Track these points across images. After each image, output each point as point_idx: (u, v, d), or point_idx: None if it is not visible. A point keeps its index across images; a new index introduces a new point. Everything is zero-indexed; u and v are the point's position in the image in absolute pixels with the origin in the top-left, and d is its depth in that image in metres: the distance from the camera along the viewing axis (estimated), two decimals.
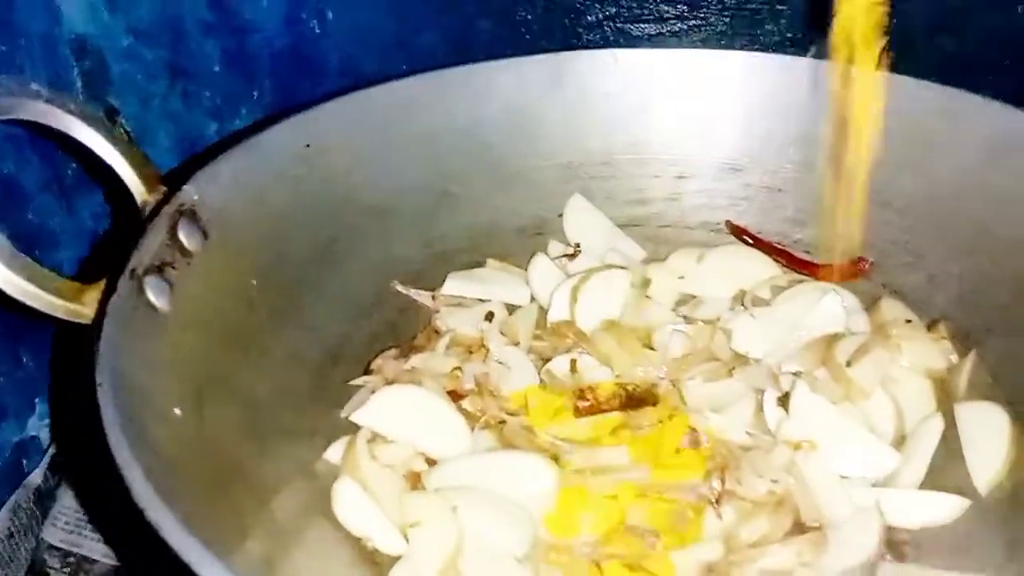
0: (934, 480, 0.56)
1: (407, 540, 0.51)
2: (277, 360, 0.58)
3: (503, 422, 0.60)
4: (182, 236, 0.54)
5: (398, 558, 0.51)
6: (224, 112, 0.83)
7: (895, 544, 0.53)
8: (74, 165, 0.73)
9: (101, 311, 0.47)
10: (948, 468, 0.57)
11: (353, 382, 0.61)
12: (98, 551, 0.65)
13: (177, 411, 0.47)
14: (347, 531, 0.52)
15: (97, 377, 0.43)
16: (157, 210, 0.54)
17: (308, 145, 0.64)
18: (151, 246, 0.52)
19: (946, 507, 0.54)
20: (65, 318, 0.48)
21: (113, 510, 0.66)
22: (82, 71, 0.73)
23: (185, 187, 0.56)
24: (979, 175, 0.64)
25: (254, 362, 0.56)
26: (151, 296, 0.50)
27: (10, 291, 0.47)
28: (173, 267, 0.53)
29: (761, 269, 0.70)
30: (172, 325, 0.51)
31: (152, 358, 0.48)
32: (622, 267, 0.69)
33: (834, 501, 0.54)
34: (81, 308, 0.48)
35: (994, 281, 0.63)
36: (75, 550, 0.65)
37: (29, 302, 0.47)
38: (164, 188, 0.56)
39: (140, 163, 0.56)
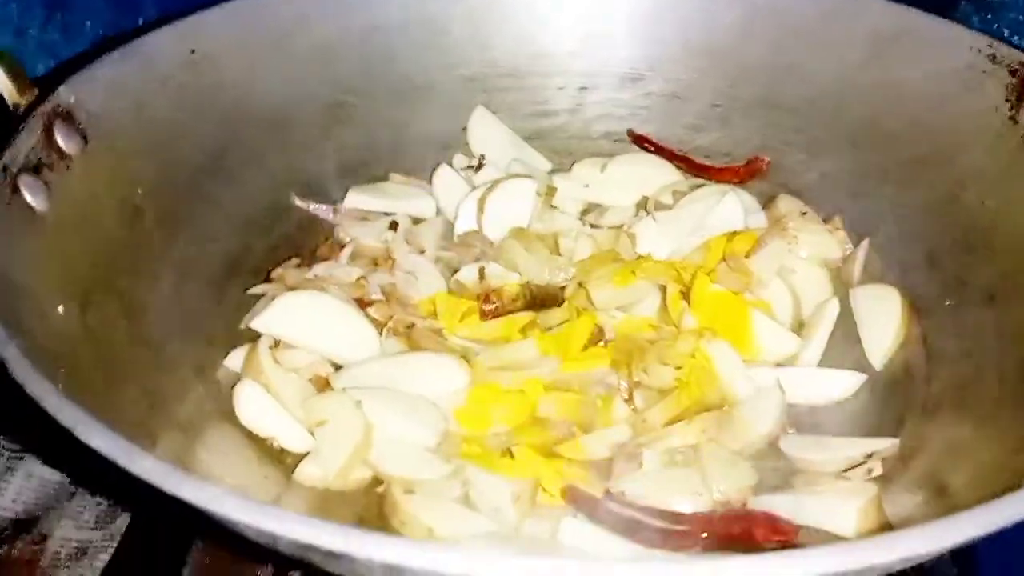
0: (833, 361, 0.58)
1: (314, 438, 0.50)
2: (170, 269, 0.56)
3: (411, 326, 0.59)
4: (59, 138, 0.52)
5: (305, 455, 0.50)
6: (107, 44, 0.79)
7: (796, 418, 0.54)
8: None
9: None
10: (845, 349, 0.59)
11: (252, 291, 0.59)
12: None
13: (60, 309, 0.45)
14: (252, 433, 0.51)
15: None
16: (29, 111, 0.51)
17: (193, 51, 0.61)
18: (24, 145, 0.49)
19: (843, 383, 0.56)
20: None
21: None
22: None
23: (60, 88, 0.53)
24: (863, 71, 0.66)
25: (145, 269, 0.54)
26: (27, 195, 0.48)
27: None
28: (50, 169, 0.50)
29: (663, 175, 0.71)
30: (52, 227, 0.48)
31: (31, 257, 0.46)
32: (529, 176, 0.69)
33: (737, 382, 0.55)
34: None
35: (883, 171, 0.65)
36: None
37: None
38: (36, 90, 0.53)
39: (10, 65, 0.53)
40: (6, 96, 0.52)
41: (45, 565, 0.59)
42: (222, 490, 0.33)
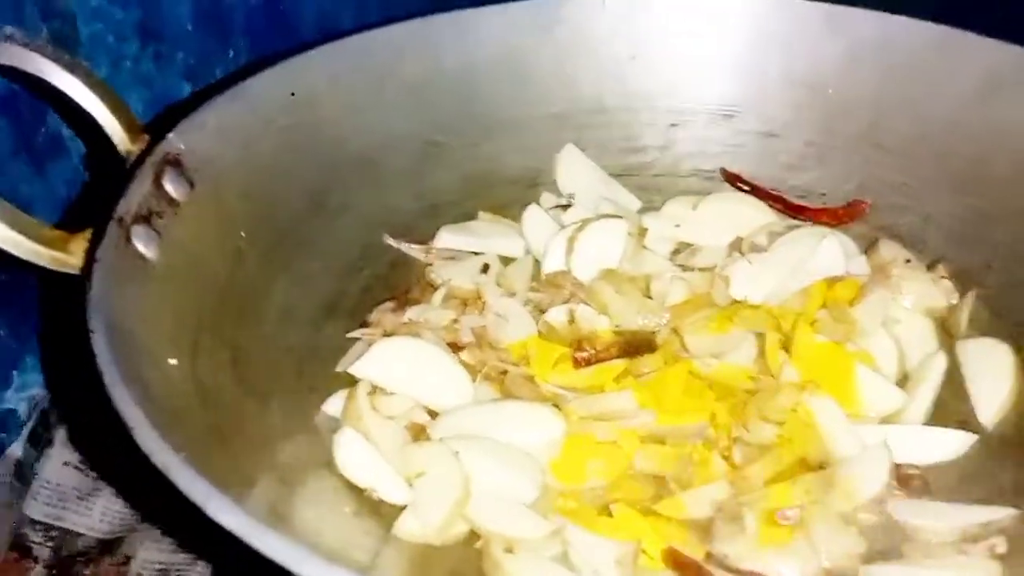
0: (939, 417, 0.56)
1: (411, 489, 0.50)
2: (271, 313, 0.56)
3: (504, 372, 0.59)
4: (168, 185, 0.53)
5: (403, 508, 0.50)
6: (198, 73, 0.80)
7: (904, 479, 0.52)
8: (43, 129, 0.70)
9: (89, 260, 0.45)
10: (952, 405, 0.57)
11: (350, 335, 0.60)
12: (81, 524, 0.64)
13: (173, 361, 0.45)
14: (350, 482, 0.51)
15: (90, 324, 0.41)
16: (141, 160, 0.52)
17: (294, 93, 0.62)
18: (137, 194, 0.50)
19: (953, 442, 0.54)
20: (52, 267, 0.46)
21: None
22: (50, 31, 0.70)
23: (170, 135, 0.54)
24: (973, 112, 0.64)
25: (247, 315, 0.54)
26: (139, 245, 0.49)
27: None
28: (160, 216, 0.51)
29: (757, 215, 0.69)
30: (162, 275, 0.49)
31: (144, 308, 0.46)
32: (619, 216, 0.68)
33: (841, 439, 0.54)
34: (68, 257, 0.46)
35: (991, 218, 0.63)
36: (57, 523, 0.63)
37: (15, 251, 0.45)
38: (147, 137, 0.54)
39: (122, 111, 0.54)
40: (118, 144, 0.54)
41: None
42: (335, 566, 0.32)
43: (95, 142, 0.55)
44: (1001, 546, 0.46)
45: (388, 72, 0.67)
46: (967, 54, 0.65)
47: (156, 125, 0.56)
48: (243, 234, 0.57)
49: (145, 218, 0.50)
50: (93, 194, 0.70)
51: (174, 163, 0.53)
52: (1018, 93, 0.62)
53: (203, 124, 0.56)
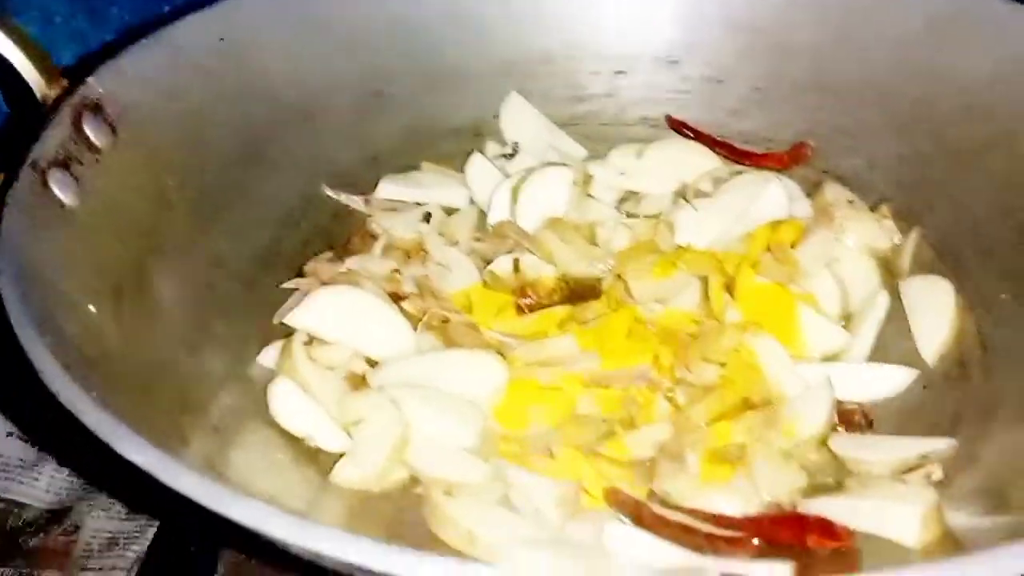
0: (883, 355, 0.56)
1: (350, 437, 0.49)
2: (201, 264, 0.55)
3: (446, 321, 0.58)
4: (88, 130, 0.51)
5: (341, 456, 0.49)
6: (133, 32, 0.77)
7: (846, 415, 0.52)
8: None
9: (0, 202, 0.43)
10: (896, 342, 0.57)
11: (285, 285, 0.58)
12: (28, 495, 0.62)
13: (92, 308, 0.44)
14: (287, 432, 0.50)
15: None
16: (58, 104, 0.50)
17: (223, 39, 0.60)
18: (54, 139, 0.48)
19: (894, 378, 0.54)
20: None
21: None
22: None
23: (89, 79, 0.52)
24: (915, 53, 0.64)
25: (176, 265, 0.53)
26: (57, 190, 0.47)
27: None
28: (80, 162, 0.49)
29: (702, 162, 0.69)
30: (82, 222, 0.48)
31: (61, 254, 0.45)
32: (564, 164, 0.67)
33: (784, 379, 0.53)
34: None
35: (933, 158, 0.62)
36: (3, 495, 0.62)
37: None
38: (66, 81, 0.52)
39: (39, 56, 0.52)
40: (34, 88, 0.52)
41: (77, 556, 0.58)
42: (273, 510, 0.31)
43: (12, 88, 0.53)
44: (937, 473, 0.46)
45: (326, 19, 0.65)
46: None
47: (76, 69, 0.54)
48: (171, 182, 0.55)
49: (63, 163, 0.48)
50: (10, 139, 0.68)
51: (94, 108, 0.51)
52: (959, 33, 0.62)
53: (125, 69, 0.55)
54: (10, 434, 0.65)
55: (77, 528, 0.60)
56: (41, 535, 0.60)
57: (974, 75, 0.61)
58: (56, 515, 0.61)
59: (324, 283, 0.58)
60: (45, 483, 0.63)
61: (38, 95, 0.51)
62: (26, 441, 0.65)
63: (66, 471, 0.64)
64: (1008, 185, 0.58)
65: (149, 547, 0.58)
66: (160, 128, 0.55)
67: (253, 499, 0.34)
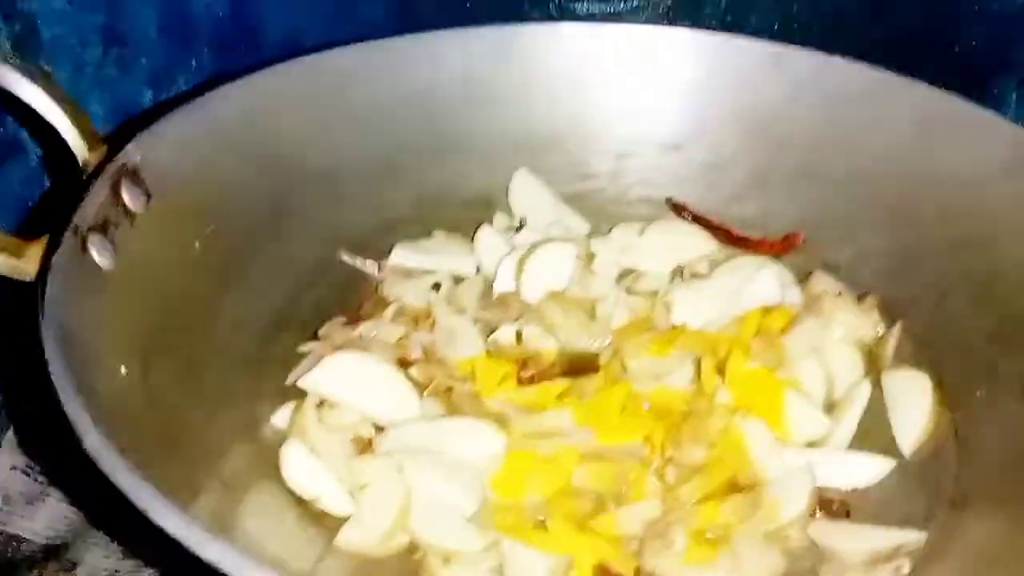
0: (862, 443, 0.59)
1: (355, 501, 0.52)
2: (222, 325, 0.58)
3: (450, 389, 0.60)
4: (125, 196, 0.54)
5: (346, 519, 0.51)
6: (161, 80, 0.81)
7: (826, 503, 0.55)
8: (1, 130, 0.70)
9: (44, 267, 0.46)
10: (875, 432, 0.60)
11: (301, 348, 0.61)
12: (27, 529, 0.64)
13: (123, 369, 0.46)
14: (295, 493, 0.52)
15: (42, 331, 0.42)
16: (99, 170, 0.53)
17: (253, 108, 0.63)
18: (94, 204, 0.51)
19: (873, 468, 0.57)
20: (6, 274, 0.47)
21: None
22: (11, 35, 0.70)
23: (128, 146, 0.55)
24: (906, 152, 0.67)
25: (199, 326, 0.56)
26: (94, 254, 0.49)
27: None
28: (116, 227, 0.52)
29: (700, 244, 0.72)
30: (116, 285, 0.50)
31: (97, 317, 0.47)
32: (569, 240, 0.70)
33: (769, 462, 0.56)
34: (23, 263, 0.47)
35: (919, 254, 0.66)
36: (2, 528, 0.63)
37: None
38: (105, 147, 0.55)
39: (81, 120, 0.55)
40: (76, 153, 0.55)
41: None
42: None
43: (54, 149, 0.56)
44: (905, 567, 0.49)
45: (347, 91, 0.69)
46: (900, 97, 0.68)
47: (115, 135, 0.57)
48: (198, 245, 0.58)
49: (101, 227, 0.51)
50: (50, 202, 0.71)
51: (131, 174, 0.54)
52: (945, 136, 0.65)
53: (162, 136, 0.58)
54: (14, 467, 0.67)
55: (75, 565, 0.62)
56: (38, 570, 0.61)
57: (956, 176, 0.65)
58: (54, 551, 0.63)
59: (337, 347, 0.60)
60: (44, 518, 0.65)
61: (79, 159, 0.54)
62: (29, 475, 0.67)
63: (66, 507, 0.65)
64: (984, 285, 0.61)
65: None
66: (190, 194, 0.58)
67: (259, 560, 0.36)
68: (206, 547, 0.34)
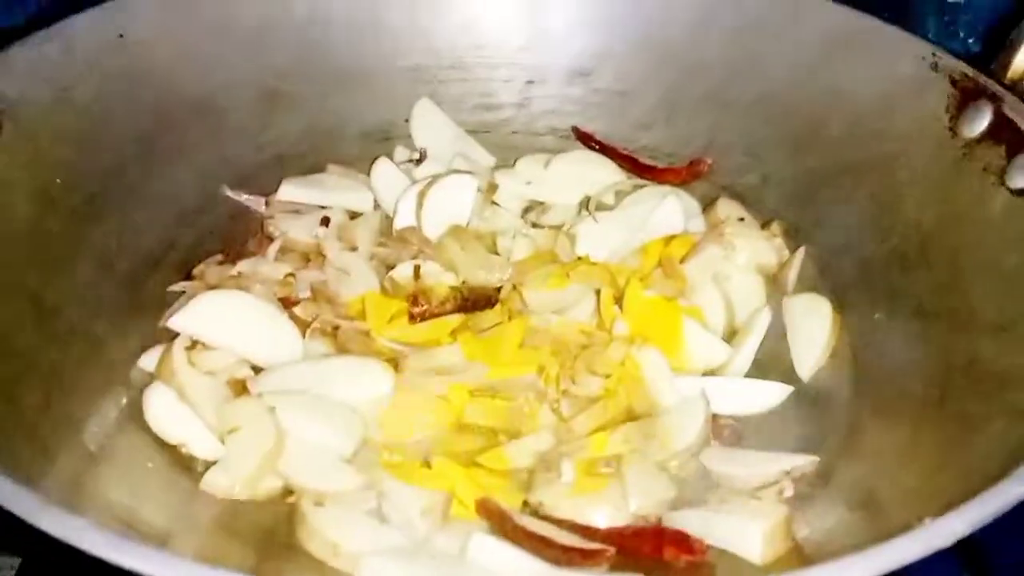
0: (763, 370, 0.58)
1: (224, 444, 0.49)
2: (84, 264, 0.54)
3: (337, 328, 0.58)
4: None
5: (215, 463, 0.49)
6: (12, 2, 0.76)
7: (718, 429, 0.54)
8: None
9: None
10: (776, 358, 0.59)
11: (172, 288, 0.58)
12: None
13: None
14: (162, 438, 0.50)
15: None
16: None
17: (122, 35, 0.59)
18: None
19: (769, 394, 0.56)
20: None
21: None
22: None
23: None
24: (812, 72, 0.65)
25: (55, 265, 0.52)
26: None
27: None
28: None
29: (606, 174, 0.70)
30: None
31: None
32: (470, 172, 0.68)
33: (664, 391, 0.55)
34: None
35: (823, 178, 0.64)
36: None
37: None
38: None
39: None
40: None
41: None
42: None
43: None
44: (788, 490, 0.48)
45: (228, 17, 0.65)
46: (809, 17, 0.66)
47: None
48: (58, 180, 0.54)
49: None
50: None
51: None
52: (856, 56, 0.63)
53: (13, 63, 0.53)
54: None
55: None
56: None
57: (863, 97, 0.63)
58: None
59: (211, 287, 0.57)
60: None
61: None
62: None
63: None
64: (886, 208, 0.59)
65: None
66: (50, 124, 0.54)
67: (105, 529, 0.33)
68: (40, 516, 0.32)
